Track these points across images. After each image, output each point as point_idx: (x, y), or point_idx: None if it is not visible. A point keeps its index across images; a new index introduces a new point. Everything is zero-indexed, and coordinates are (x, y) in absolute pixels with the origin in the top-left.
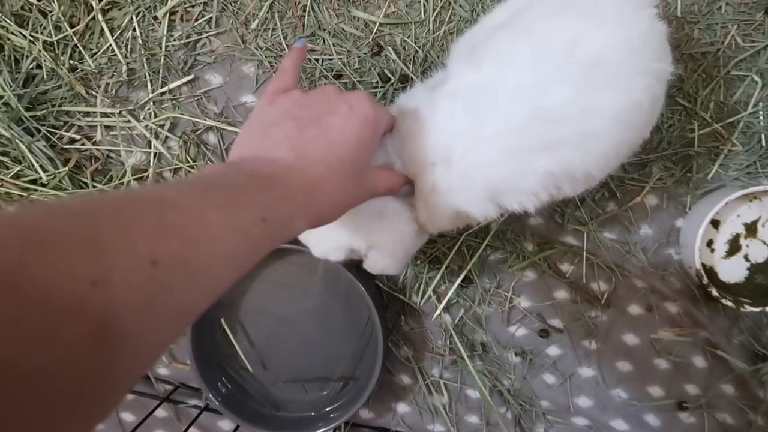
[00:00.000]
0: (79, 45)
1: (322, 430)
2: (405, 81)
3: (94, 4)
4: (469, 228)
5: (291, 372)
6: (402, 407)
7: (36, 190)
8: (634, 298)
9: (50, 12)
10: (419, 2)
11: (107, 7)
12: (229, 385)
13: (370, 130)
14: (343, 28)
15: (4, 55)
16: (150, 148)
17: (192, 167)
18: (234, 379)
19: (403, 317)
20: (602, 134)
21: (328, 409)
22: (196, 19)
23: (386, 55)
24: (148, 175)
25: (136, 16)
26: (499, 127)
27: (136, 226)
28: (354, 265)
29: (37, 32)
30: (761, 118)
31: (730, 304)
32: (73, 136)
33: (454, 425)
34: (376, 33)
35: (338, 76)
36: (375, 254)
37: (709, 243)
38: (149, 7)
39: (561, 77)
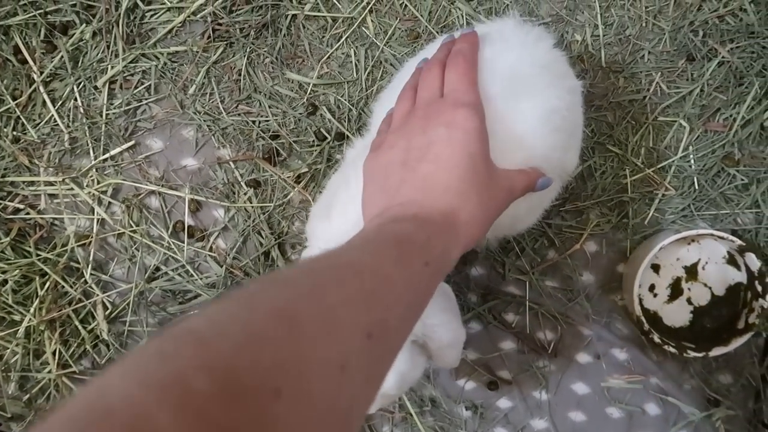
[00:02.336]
0: (21, 116)
1: None
2: (341, 139)
3: (35, 76)
4: None
5: None
6: None
7: None
8: (581, 346)
9: None
10: (351, 62)
11: (48, 79)
12: None
13: (475, 137)
14: (278, 90)
15: None
16: (93, 214)
17: (134, 232)
18: None
19: None
20: (532, 135)
21: None
22: (135, 87)
23: (321, 114)
24: (90, 241)
25: (77, 86)
26: None
27: (354, 298)
28: None
29: None
30: (692, 161)
31: (673, 350)
32: (17, 205)
33: None
34: (310, 93)
35: (275, 137)
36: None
37: (652, 287)
38: (89, 77)
39: (488, 92)
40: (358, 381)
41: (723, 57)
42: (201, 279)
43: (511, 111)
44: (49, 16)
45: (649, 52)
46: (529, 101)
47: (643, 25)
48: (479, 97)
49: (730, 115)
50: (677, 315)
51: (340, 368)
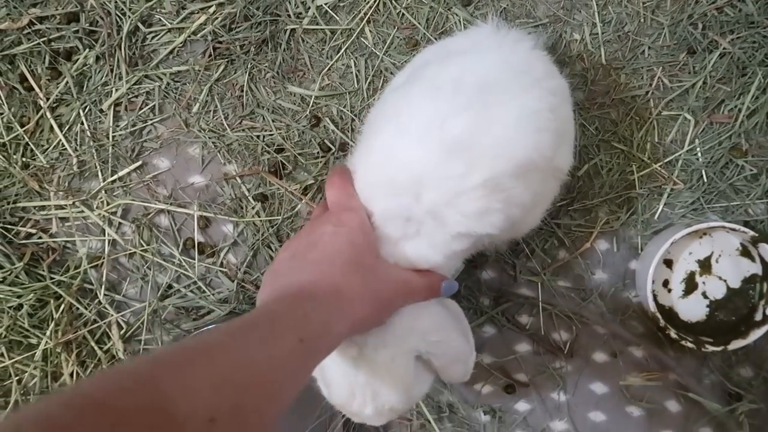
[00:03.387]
0: (30, 143)
1: None
2: (344, 149)
3: (42, 102)
4: None
5: None
6: None
7: None
8: (597, 345)
9: (1, 114)
10: (352, 73)
11: (55, 105)
12: None
13: (359, 231)
14: (280, 104)
15: None
16: (104, 235)
17: (145, 251)
18: None
19: None
20: (511, 139)
21: None
22: (140, 108)
23: (324, 125)
24: (102, 262)
25: (83, 110)
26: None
27: (196, 384)
28: None
29: None
30: (699, 154)
31: (690, 345)
32: (29, 230)
33: None
34: (312, 106)
35: (280, 150)
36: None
37: (666, 283)
38: (95, 100)
39: (456, 107)
40: None
41: (724, 48)
42: (213, 295)
43: (484, 120)
44: (52, 43)
45: (649, 48)
46: (502, 107)
47: (642, 20)
48: (359, 202)
49: (735, 106)
50: (693, 310)
51: None
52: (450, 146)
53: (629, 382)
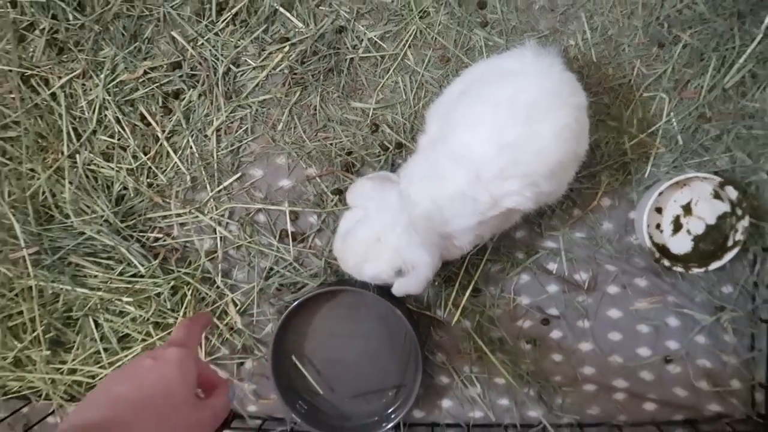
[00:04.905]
0: (152, 167)
1: (385, 428)
2: (400, 147)
3: (159, 134)
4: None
5: (353, 389)
6: (446, 402)
7: (137, 281)
8: (610, 281)
9: (127, 146)
10: (400, 88)
11: (169, 135)
12: (306, 407)
13: (176, 368)
14: (346, 117)
15: (99, 184)
16: (216, 233)
17: (250, 243)
18: (309, 402)
19: (432, 329)
20: (548, 148)
21: (387, 411)
22: (236, 131)
23: (382, 130)
24: (216, 255)
25: (192, 137)
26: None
27: None
28: (387, 293)
29: (120, 163)
30: (674, 124)
31: (680, 270)
32: (157, 235)
33: (490, 409)
34: (371, 116)
35: (349, 153)
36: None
37: (658, 226)
38: (200, 128)
39: (513, 120)
40: None
41: (685, 41)
42: (306, 272)
43: (529, 133)
44: (163, 87)
45: (628, 45)
46: (541, 124)
47: (621, 25)
48: (196, 342)
49: (698, 84)
50: (681, 244)
51: None
52: (503, 147)
53: (638, 306)
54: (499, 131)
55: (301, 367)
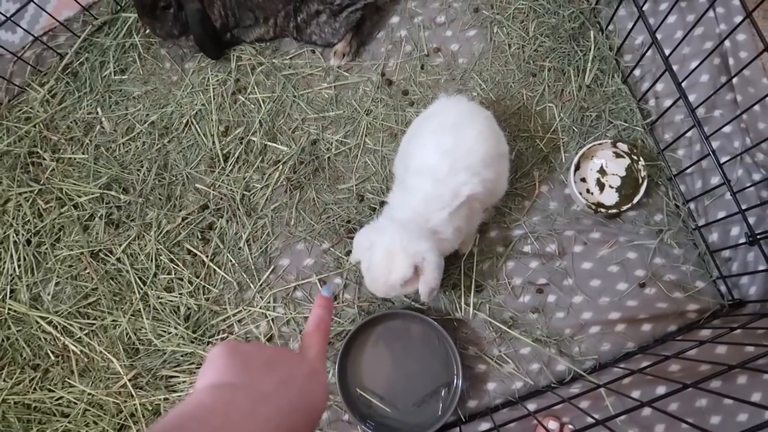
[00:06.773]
0: (205, 284)
1: (447, 417)
2: (383, 204)
3: (204, 259)
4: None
5: (413, 398)
6: (491, 385)
7: None
8: (573, 243)
9: (183, 276)
10: (369, 165)
11: (212, 257)
12: (374, 423)
13: (325, 394)
14: (338, 198)
15: (169, 311)
16: (266, 318)
17: (296, 315)
18: (379, 422)
19: (457, 329)
20: (475, 145)
21: (446, 404)
22: (261, 236)
23: (367, 198)
24: (272, 334)
25: (229, 253)
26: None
27: None
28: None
29: (181, 290)
30: (565, 119)
31: (614, 211)
32: (222, 335)
33: (527, 376)
34: (356, 190)
35: (348, 221)
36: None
37: (587, 191)
38: (234, 244)
39: (446, 135)
40: None
41: (548, 66)
42: (345, 321)
43: (459, 139)
44: (198, 225)
45: (513, 83)
46: (466, 131)
47: (504, 71)
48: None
49: (569, 90)
50: (609, 197)
51: None
52: (445, 152)
53: (601, 254)
54: (439, 144)
55: (367, 396)
